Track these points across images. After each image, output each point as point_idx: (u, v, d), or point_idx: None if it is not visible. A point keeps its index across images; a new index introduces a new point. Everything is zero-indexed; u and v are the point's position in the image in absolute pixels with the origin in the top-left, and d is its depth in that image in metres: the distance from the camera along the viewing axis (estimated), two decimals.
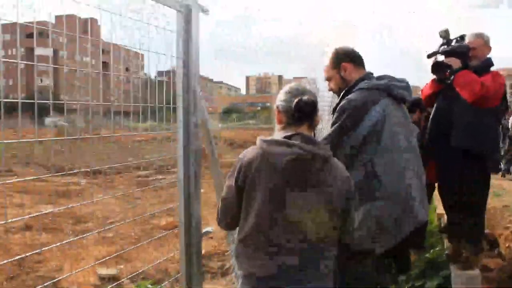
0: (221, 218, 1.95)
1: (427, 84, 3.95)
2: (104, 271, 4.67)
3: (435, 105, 3.91)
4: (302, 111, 1.85)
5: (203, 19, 2.14)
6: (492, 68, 3.80)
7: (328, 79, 2.63)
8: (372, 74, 2.60)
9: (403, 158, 2.46)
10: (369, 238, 2.41)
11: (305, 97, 1.85)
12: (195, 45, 2.10)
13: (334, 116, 2.45)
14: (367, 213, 2.37)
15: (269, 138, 1.86)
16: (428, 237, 5.20)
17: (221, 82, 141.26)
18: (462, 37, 3.78)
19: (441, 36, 3.75)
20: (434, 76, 3.82)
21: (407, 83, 2.62)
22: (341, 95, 2.53)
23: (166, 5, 2.00)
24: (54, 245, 3.26)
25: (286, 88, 1.96)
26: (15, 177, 11.54)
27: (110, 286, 3.96)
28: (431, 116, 3.96)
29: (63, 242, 4.30)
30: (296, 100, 1.85)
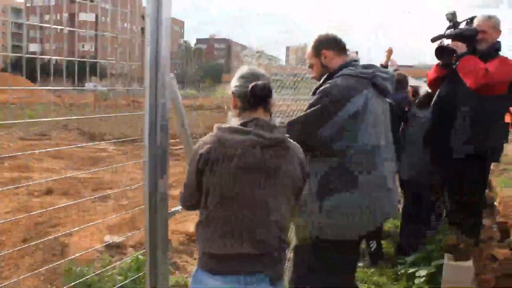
0: (183, 202, 2.05)
1: (432, 68, 3.84)
2: (109, 238, 4.87)
3: (438, 90, 3.80)
4: (257, 96, 1.87)
5: None
6: None
7: (311, 66, 2.61)
8: (357, 61, 2.54)
9: (379, 152, 2.43)
10: (346, 226, 2.39)
11: (260, 82, 1.87)
12: (165, 28, 2.09)
13: (314, 98, 2.39)
14: (339, 202, 2.36)
15: (225, 125, 1.88)
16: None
17: (261, 52, 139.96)
18: (471, 19, 3.62)
19: (448, 19, 3.60)
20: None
21: (391, 75, 2.59)
22: (324, 79, 2.48)
23: None
24: (56, 206, 3.40)
25: (239, 72, 1.98)
26: (48, 141, 12.02)
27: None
28: (433, 101, 3.86)
29: (61, 205, 4.48)
30: (251, 85, 1.86)
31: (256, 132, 1.81)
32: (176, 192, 2.89)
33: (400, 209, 6.16)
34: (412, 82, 11.15)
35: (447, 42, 3.64)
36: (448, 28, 3.62)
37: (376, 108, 2.43)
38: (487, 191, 6.11)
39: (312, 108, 2.35)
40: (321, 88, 2.40)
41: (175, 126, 2.45)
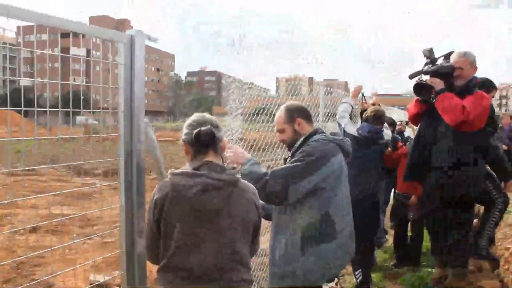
0: (149, 254, 2.10)
1: (412, 102, 3.90)
2: (94, 277, 4.77)
3: (418, 126, 3.85)
4: (201, 141, 1.98)
5: None
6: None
7: (281, 131, 2.81)
8: (321, 129, 2.83)
9: (347, 203, 2.74)
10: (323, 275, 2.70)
11: (203, 128, 1.97)
12: (138, 77, 2.11)
13: (298, 156, 2.58)
14: (325, 253, 2.59)
15: (178, 171, 1.97)
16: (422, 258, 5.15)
17: (251, 84, 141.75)
18: (448, 56, 3.70)
19: (425, 56, 3.68)
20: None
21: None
22: (300, 142, 2.69)
23: (107, 39, 2.04)
24: (41, 251, 3.33)
25: (187, 121, 2.09)
26: (36, 176, 11.92)
27: None
28: (414, 136, 3.91)
29: (46, 250, 4.40)
30: (195, 132, 1.98)
31: (208, 175, 1.90)
32: None
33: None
34: (400, 112, 11.30)
35: (425, 77, 3.72)
36: (426, 64, 3.70)
37: (345, 168, 2.72)
38: (475, 220, 6.13)
39: (297, 164, 2.54)
40: (303, 148, 2.62)
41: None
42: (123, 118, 2.11)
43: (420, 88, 3.62)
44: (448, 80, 3.57)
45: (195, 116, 2.10)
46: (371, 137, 4.34)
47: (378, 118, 4.57)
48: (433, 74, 3.62)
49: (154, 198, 1.94)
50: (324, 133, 2.75)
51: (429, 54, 3.68)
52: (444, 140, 3.55)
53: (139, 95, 2.13)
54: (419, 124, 3.86)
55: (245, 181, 2.08)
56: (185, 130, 2.06)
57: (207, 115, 2.10)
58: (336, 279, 4.40)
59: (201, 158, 2.00)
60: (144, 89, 2.20)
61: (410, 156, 3.86)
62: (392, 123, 6.56)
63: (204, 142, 1.98)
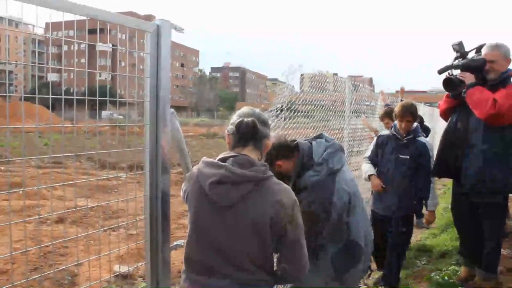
0: None
1: (443, 98, 3.81)
2: (118, 268, 4.84)
3: (449, 120, 3.76)
4: (241, 132, 1.91)
5: None
6: None
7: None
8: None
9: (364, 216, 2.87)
10: None
11: (246, 119, 1.90)
12: (164, 66, 2.11)
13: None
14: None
15: (207, 159, 1.93)
16: (447, 258, 5.04)
17: (276, 80, 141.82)
18: (479, 49, 3.60)
19: (454, 50, 3.58)
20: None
21: None
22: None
23: (132, 27, 2.03)
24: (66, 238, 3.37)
25: (238, 112, 2.01)
26: (62, 169, 12.13)
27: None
28: (444, 131, 3.81)
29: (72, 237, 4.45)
30: (237, 122, 1.91)
31: (229, 168, 1.82)
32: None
33: None
34: (425, 108, 11.07)
35: (456, 72, 3.62)
36: (456, 58, 3.60)
37: (351, 184, 2.78)
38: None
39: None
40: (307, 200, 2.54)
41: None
42: (149, 108, 2.11)
43: (449, 83, 3.53)
44: (479, 74, 3.47)
45: (246, 108, 2.02)
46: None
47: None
48: (463, 68, 3.52)
49: (186, 179, 1.99)
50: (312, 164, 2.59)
51: (459, 48, 3.57)
52: (477, 134, 3.45)
53: (165, 85, 2.11)
54: (448, 119, 3.76)
55: (277, 181, 1.92)
56: (232, 121, 1.98)
57: (258, 110, 2.01)
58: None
59: (237, 151, 1.92)
60: (170, 79, 2.19)
61: (440, 151, 3.76)
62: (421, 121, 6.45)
63: (244, 133, 1.90)
